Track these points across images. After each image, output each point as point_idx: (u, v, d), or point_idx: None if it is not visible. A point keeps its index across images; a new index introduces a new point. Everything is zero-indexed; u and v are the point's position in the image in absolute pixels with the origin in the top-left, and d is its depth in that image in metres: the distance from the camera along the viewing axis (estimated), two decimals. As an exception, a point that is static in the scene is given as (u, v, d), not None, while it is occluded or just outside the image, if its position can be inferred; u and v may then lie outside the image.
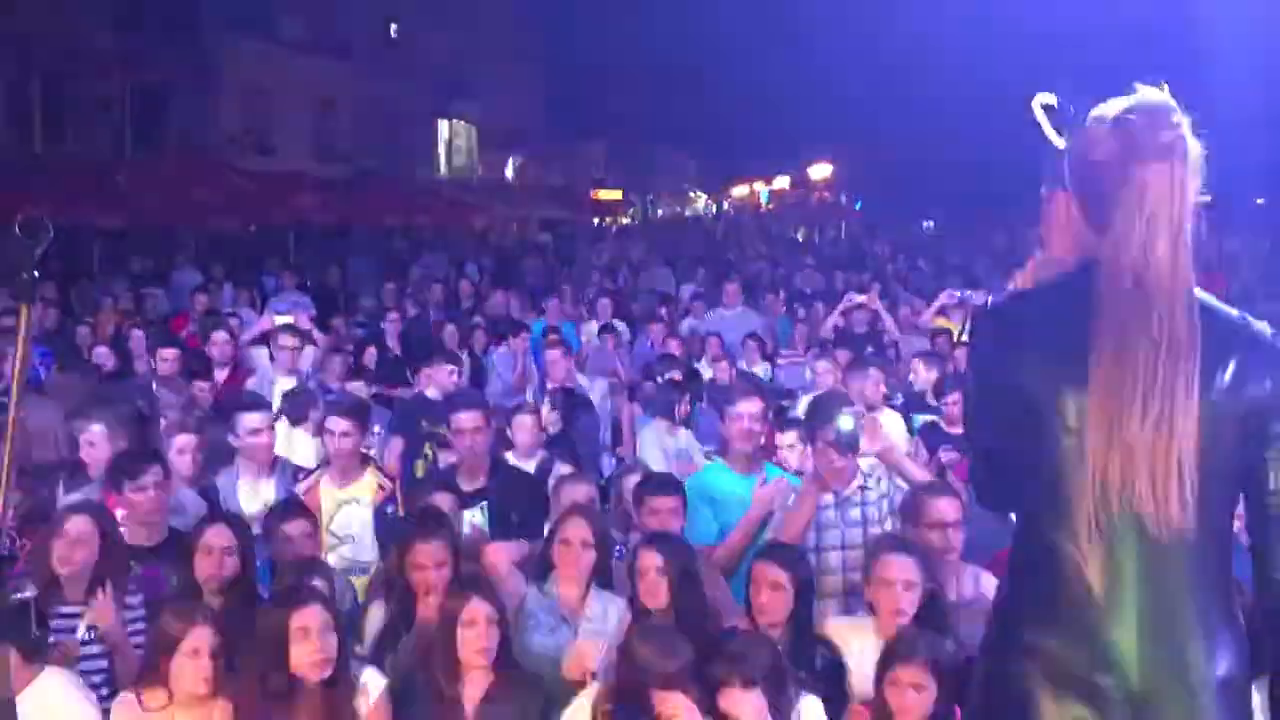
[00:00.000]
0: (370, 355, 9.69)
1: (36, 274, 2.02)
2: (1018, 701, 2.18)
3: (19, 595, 2.31)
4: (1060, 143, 2.34)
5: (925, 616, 3.89)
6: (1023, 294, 2.42)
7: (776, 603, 4.02)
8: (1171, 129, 2.16)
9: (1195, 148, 2.19)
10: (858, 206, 54.08)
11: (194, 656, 3.68)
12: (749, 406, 5.13)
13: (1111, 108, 2.24)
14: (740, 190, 60.83)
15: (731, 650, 3.61)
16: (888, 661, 3.61)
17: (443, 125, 34.76)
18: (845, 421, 4.53)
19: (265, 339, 8.33)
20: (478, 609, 3.82)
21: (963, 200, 37.62)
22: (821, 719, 3.71)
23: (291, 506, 4.94)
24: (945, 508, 4.33)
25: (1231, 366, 2.13)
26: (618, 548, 4.91)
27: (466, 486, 5.21)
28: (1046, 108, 2.37)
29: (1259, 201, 27.07)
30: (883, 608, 3.94)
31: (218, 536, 4.34)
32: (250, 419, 5.58)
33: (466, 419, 5.27)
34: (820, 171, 48.07)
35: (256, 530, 4.74)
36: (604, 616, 4.22)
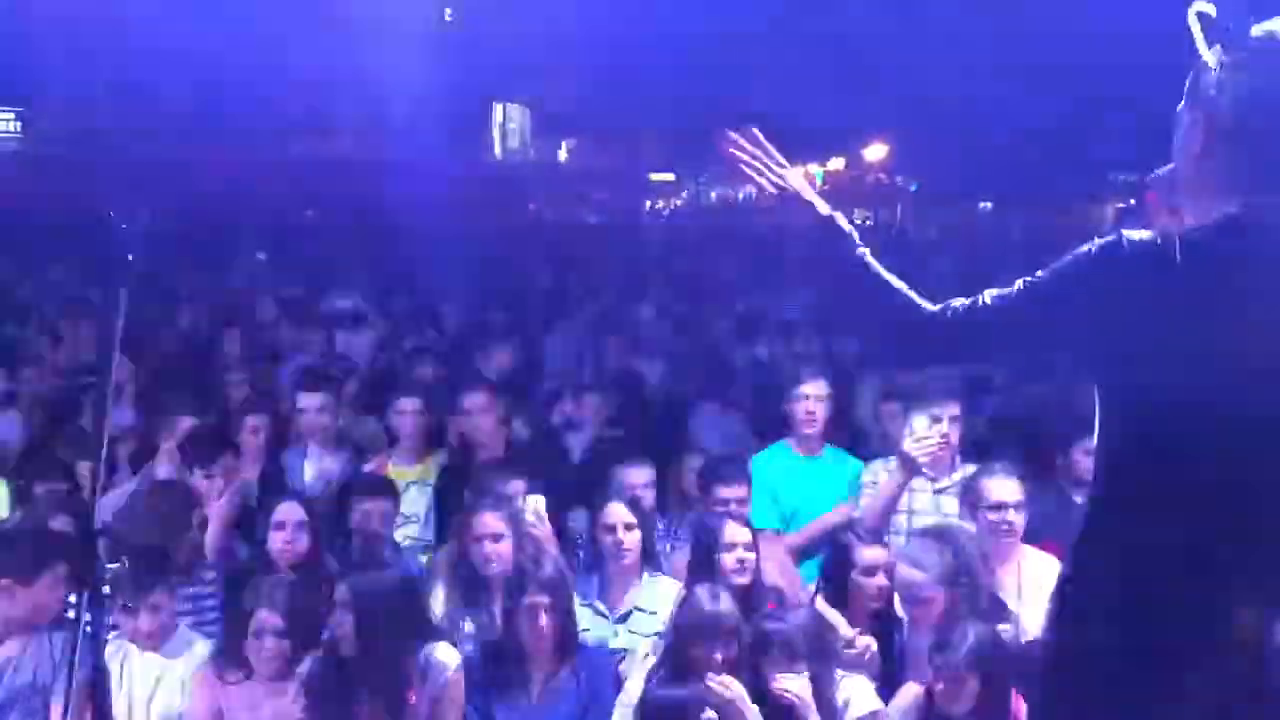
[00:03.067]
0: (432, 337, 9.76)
1: (130, 257, 2.10)
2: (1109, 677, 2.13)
3: (112, 566, 2.41)
4: (1212, 60, 2.06)
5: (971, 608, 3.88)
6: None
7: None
8: None
9: None
10: (914, 189, 53.50)
11: (264, 637, 3.77)
12: (813, 388, 5.12)
13: None
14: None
15: (775, 628, 3.66)
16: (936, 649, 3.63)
17: (497, 109, 34.85)
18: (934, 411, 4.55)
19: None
20: (538, 596, 3.88)
21: (1021, 179, 37.01)
22: (869, 699, 3.73)
23: (373, 483, 5.01)
24: (1004, 489, 4.33)
25: None
26: (670, 529, 4.97)
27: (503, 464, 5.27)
28: (1203, 16, 2.06)
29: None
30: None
31: (290, 512, 4.44)
32: (312, 397, 5.69)
33: (472, 400, 5.37)
34: (876, 152, 47.56)
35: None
36: (654, 600, 4.28)
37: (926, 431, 4.54)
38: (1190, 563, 2.06)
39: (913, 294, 2.32)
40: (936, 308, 2.28)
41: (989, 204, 40.51)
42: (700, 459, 5.38)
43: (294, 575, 4.25)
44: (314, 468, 5.59)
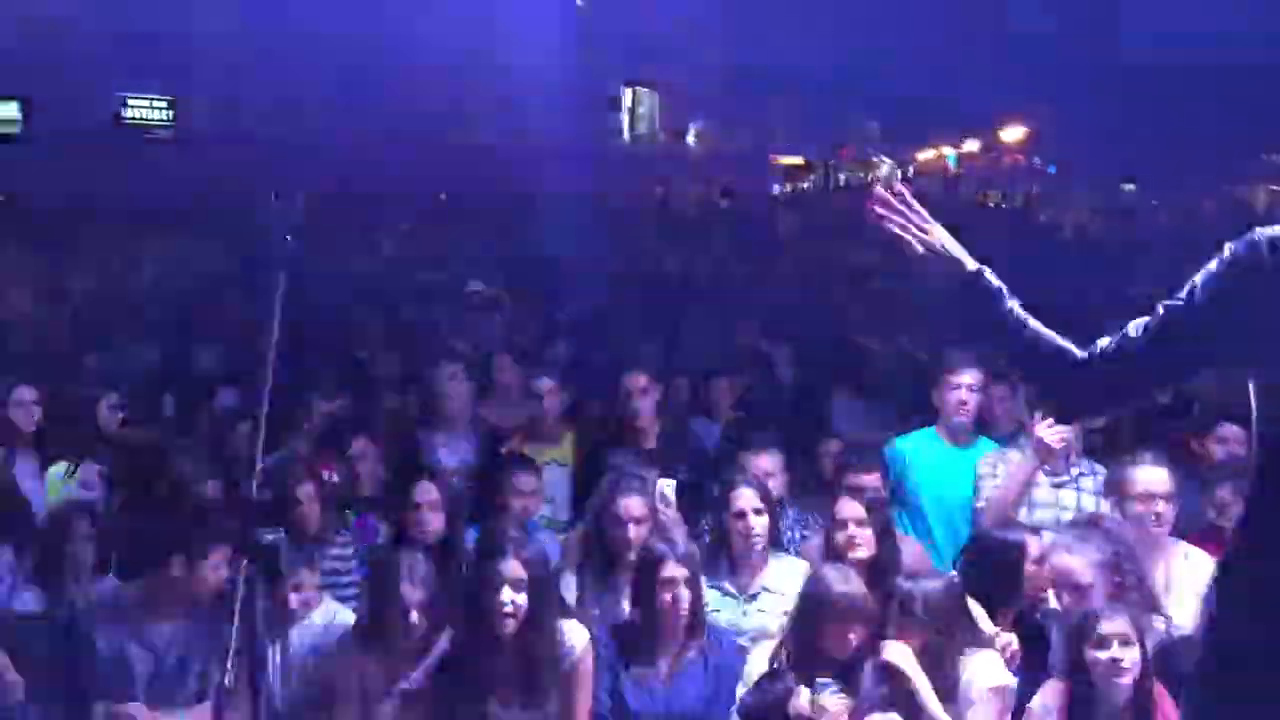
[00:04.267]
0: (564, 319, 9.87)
1: (289, 238, 2.16)
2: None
3: (269, 537, 2.49)
4: None
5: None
6: None
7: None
8: None
9: None
10: (1051, 170, 51.96)
11: (406, 612, 3.86)
12: (965, 376, 5.01)
13: None
14: (926, 155, 59.21)
15: (903, 589, 3.68)
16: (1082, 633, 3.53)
17: (626, 93, 34.99)
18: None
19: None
20: (675, 570, 3.91)
21: (1164, 158, 35.63)
22: (997, 673, 3.67)
23: (521, 461, 5.09)
24: (1153, 479, 4.18)
25: None
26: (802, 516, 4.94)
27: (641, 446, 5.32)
28: None
29: None
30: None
31: (427, 492, 4.54)
32: (449, 367, 5.80)
33: (632, 381, 5.37)
34: (1013, 134, 46.34)
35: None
36: (781, 581, 4.26)
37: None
38: None
39: (1064, 341, 2.27)
40: (1085, 353, 2.24)
41: (1132, 185, 39.12)
42: (837, 445, 5.34)
43: (433, 552, 4.33)
44: (451, 448, 5.70)
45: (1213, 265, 2.08)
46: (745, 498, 4.35)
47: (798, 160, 47.77)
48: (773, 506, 4.44)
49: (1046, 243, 14.98)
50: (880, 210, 2.43)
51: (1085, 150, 42.83)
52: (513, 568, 3.78)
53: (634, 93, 35.29)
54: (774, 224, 20.93)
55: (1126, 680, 3.44)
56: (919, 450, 5.06)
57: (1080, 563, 3.80)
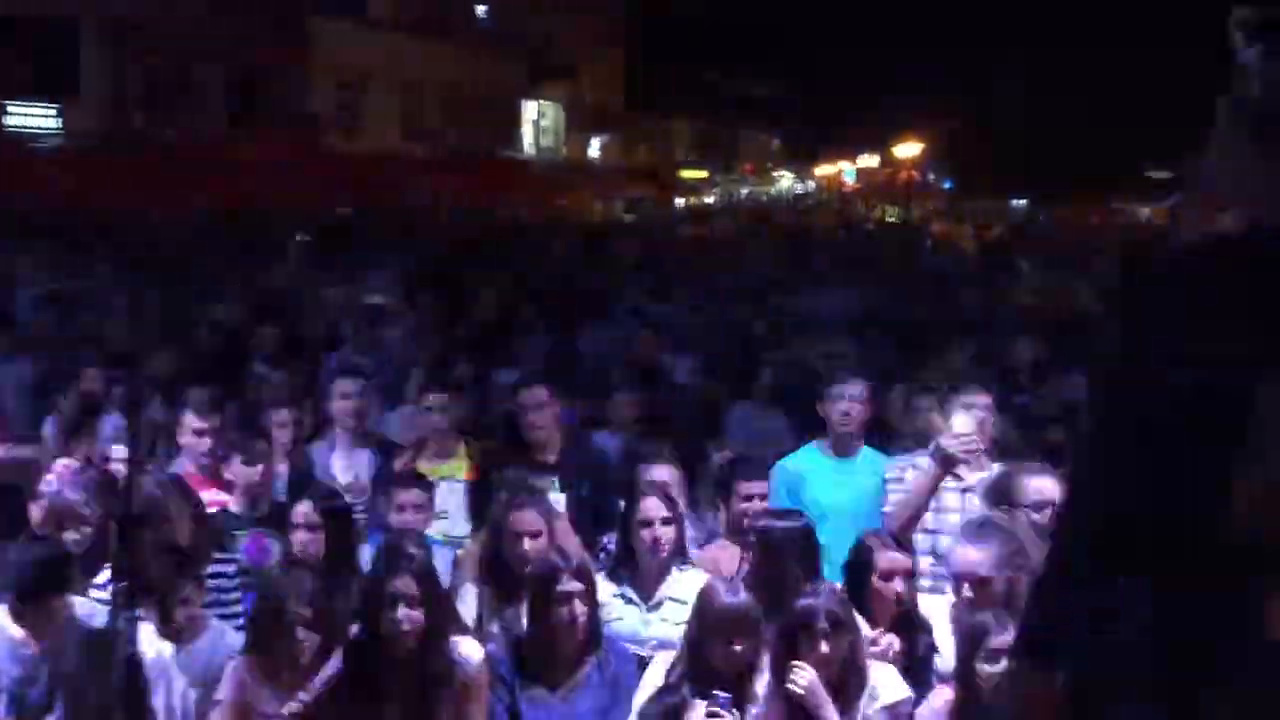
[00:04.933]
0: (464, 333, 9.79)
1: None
2: None
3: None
4: (1253, 57, 1.97)
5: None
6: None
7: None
8: None
9: None
10: (946, 186, 53.22)
11: (293, 630, 3.78)
12: (848, 389, 5.11)
13: None
14: (825, 169, 60.15)
15: (804, 605, 3.68)
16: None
17: (529, 105, 34.93)
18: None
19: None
20: (570, 584, 3.90)
21: (1058, 178, 36.79)
22: (898, 687, 3.71)
23: (406, 476, 5.03)
24: (1044, 486, 4.29)
25: None
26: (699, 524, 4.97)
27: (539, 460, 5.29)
28: (1245, 16, 1.97)
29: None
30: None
31: (304, 513, 4.47)
32: (343, 384, 5.72)
33: (532, 395, 5.37)
34: (908, 150, 47.35)
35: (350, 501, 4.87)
36: (685, 591, 4.25)
37: (966, 428, 4.49)
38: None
39: None
40: None
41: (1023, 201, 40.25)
42: (726, 455, 5.40)
43: (322, 570, 4.25)
44: (346, 463, 5.61)
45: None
46: (652, 507, 4.38)
47: (701, 174, 48.19)
48: (678, 517, 4.47)
49: (940, 257, 15.34)
50: None
51: (980, 167, 43.97)
52: (406, 584, 3.73)
53: (538, 105, 35.23)
54: (677, 237, 21.07)
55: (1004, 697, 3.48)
56: (806, 465, 5.14)
57: (980, 556, 3.85)
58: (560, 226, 22.20)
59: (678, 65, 42.07)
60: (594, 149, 40.05)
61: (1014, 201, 41.08)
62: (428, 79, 28.50)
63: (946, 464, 4.50)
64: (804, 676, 3.58)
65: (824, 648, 3.60)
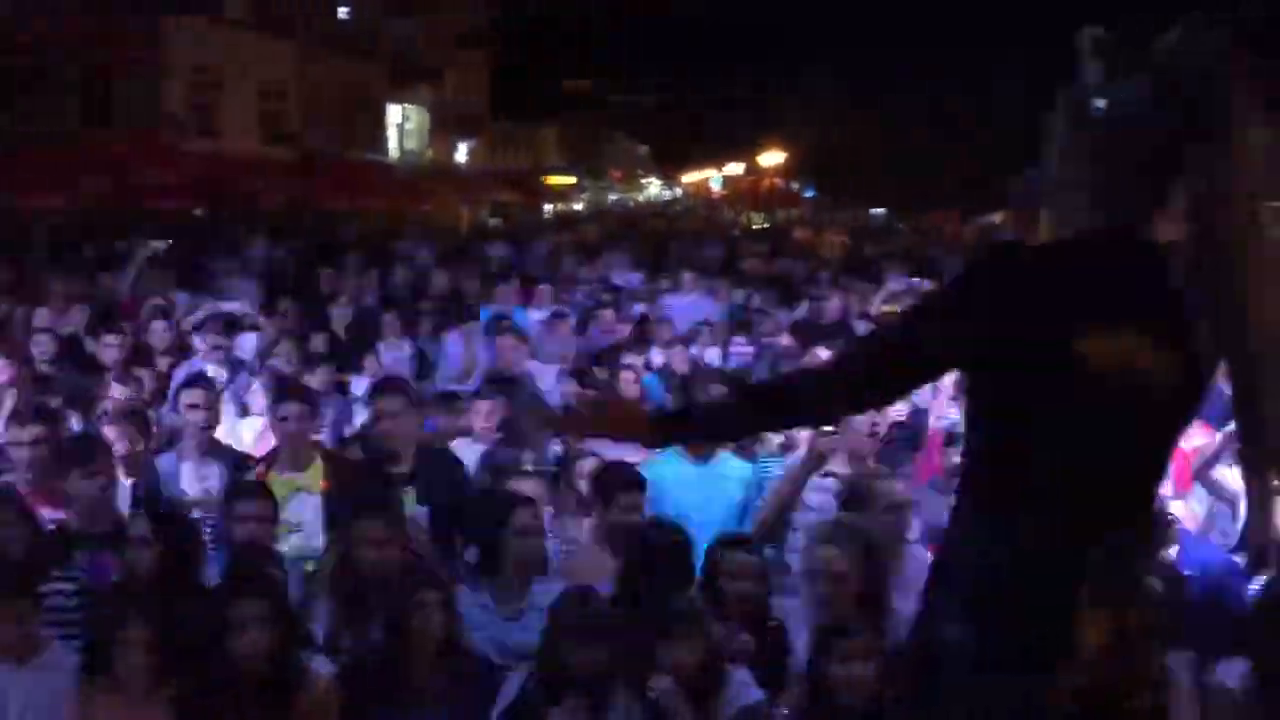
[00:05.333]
0: (321, 341, 9.58)
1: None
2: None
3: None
4: (1094, 78, 2.10)
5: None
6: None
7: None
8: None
9: None
10: (809, 194, 54.33)
11: (132, 651, 3.65)
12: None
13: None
14: (693, 177, 60.86)
15: (657, 610, 3.73)
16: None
17: (393, 109, 34.42)
18: None
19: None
20: (426, 595, 3.84)
21: (913, 189, 37.92)
22: (750, 690, 3.76)
23: (248, 487, 4.87)
24: (894, 490, 4.40)
25: None
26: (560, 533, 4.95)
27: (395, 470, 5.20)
28: (1094, 37, 2.12)
29: None
30: None
31: (136, 528, 4.31)
32: (192, 395, 5.54)
33: (387, 404, 5.27)
34: (772, 158, 48.24)
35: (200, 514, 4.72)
36: (549, 601, 4.24)
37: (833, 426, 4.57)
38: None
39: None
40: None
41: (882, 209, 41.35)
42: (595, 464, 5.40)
43: (166, 587, 4.09)
44: (193, 474, 5.43)
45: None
46: (522, 516, 4.34)
47: (569, 180, 48.22)
48: (543, 528, 4.46)
49: (802, 261, 15.64)
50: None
51: (841, 176, 45.02)
52: (253, 606, 3.62)
53: (402, 110, 34.74)
54: (544, 244, 20.95)
55: (865, 693, 3.56)
56: (666, 470, 5.15)
57: (835, 553, 3.94)
58: (424, 231, 21.89)
59: (546, 72, 42.13)
60: (461, 154, 39.71)
61: (873, 210, 42.17)
62: (287, 80, 27.82)
63: (814, 462, 4.59)
64: (661, 681, 3.60)
65: (681, 652, 3.63)
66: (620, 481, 4.78)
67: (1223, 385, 2.15)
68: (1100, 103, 2.11)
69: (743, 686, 3.74)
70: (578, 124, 48.62)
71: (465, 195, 33.17)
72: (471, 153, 40.42)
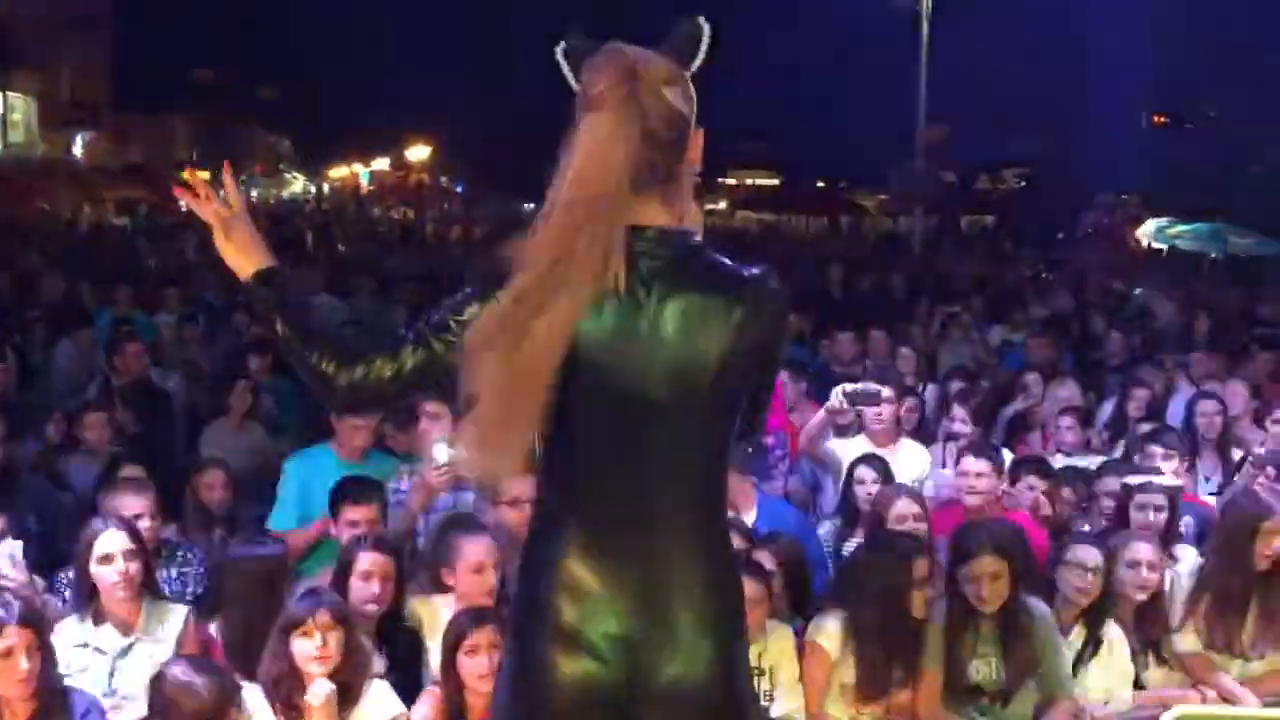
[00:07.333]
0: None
1: None
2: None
3: None
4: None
5: None
6: None
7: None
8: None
9: None
10: (459, 189, 54.21)
11: None
12: None
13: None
14: (339, 172, 59.17)
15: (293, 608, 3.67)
16: None
17: (-4, 98, 31.31)
18: None
19: None
20: (10, 637, 3.43)
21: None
22: (391, 703, 3.72)
23: None
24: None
25: None
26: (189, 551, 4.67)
27: None
28: (567, 51, 2.30)
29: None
30: None
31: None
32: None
33: None
34: (419, 153, 47.71)
35: None
36: (160, 627, 4.00)
37: (444, 456, 4.56)
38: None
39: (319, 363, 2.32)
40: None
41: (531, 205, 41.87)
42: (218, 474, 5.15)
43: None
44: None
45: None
46: (112, 540, 3.98)
47: (204, 175, 45.45)
48: (146, 550, 4.11)
49: (445, 259, 15.60)
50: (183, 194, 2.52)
51: (489, 170, 45.15)
52: None
53: (5, 98, 31.57)
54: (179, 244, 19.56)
55: (487, 688, 3.56)
56: (313, 468, 5.04)
57: (478, 549, 4.02)
58: (33, 231, 19.99)
59: (170, 63, 39.57)
60: (77, 147, 36.58)
61: (526, 205, 42.60)
62: None
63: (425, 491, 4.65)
64: (321, 688, 3.49)
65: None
66: (352, 494, 4.59)
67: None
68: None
69: (381, 699, 3.66)
70: (210, 116, 45.92)
71: (83, 192, 30.61)
72: (90, 146, 37.34)
